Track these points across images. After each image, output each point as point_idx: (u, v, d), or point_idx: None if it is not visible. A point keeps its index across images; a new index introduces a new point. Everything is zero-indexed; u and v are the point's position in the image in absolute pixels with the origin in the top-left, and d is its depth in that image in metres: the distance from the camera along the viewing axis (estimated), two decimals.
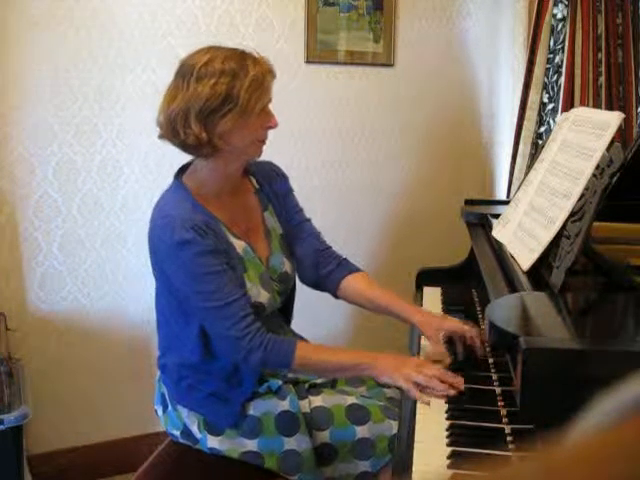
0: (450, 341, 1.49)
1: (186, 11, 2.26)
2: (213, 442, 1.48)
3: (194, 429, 1.50)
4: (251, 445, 1.46)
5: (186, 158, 1.54)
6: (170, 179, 2.30)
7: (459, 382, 1.30)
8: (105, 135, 2.20)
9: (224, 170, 1.46)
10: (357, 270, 1.65)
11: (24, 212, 2.14)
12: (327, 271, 1.64)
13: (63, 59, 2.11)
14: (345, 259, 1.67)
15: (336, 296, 1.66)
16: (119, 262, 2.29)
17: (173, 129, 1.37)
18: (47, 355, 2.23)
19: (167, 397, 1.57)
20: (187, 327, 1.45)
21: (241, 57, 1.37)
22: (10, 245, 2.14)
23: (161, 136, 1.43)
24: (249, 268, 1.47)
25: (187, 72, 1.36)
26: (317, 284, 1.67)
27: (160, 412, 1.60)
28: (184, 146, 1.40)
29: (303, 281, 1.68)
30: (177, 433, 1.54)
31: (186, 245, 1.34)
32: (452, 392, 1.29)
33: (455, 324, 1.47)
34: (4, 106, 2.07)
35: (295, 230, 1.62)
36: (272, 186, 1.60)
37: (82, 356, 2.28)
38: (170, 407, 1.56)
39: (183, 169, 1.52)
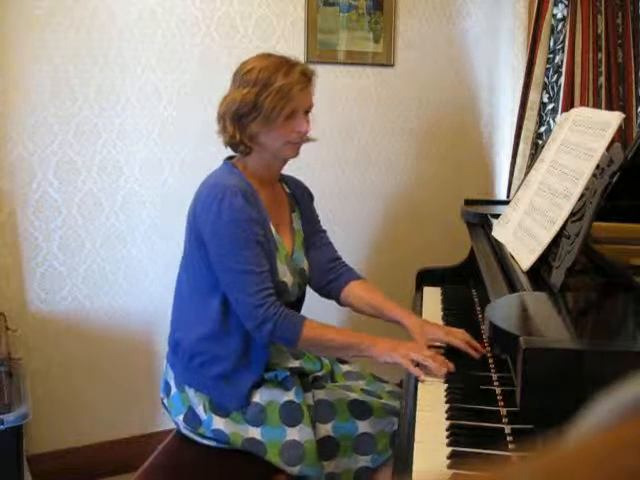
0: (451, 350, 1.52)
1: (186, 11, 2.26)
2: (218, 423, 1.50)
3: (199, 410, 1.53)
4: (255, 432, 1.49)
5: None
6: (170, 179, 2.31)
7: (449, 365, 1.41)
8: (105, 135, 2.20)
9: (265, 164, 1.58)
10: (358, 277, 1.74)
11: (24, 212, 2.14)
12: (332, 278, 1.73)
13: (63, 59, 2.11)
14: (350, 268, 1.76)
15: (339, 302, 1.75)
16: (119, 262, 2.29)
17: (218, 128, 1.55)
18: (47, 355, 2.23)
19: (172, 382, 1.60)
20: (210, 297, 1.52)
21: (276, 68, 1.49)
22: (10, 245, 2.14)
23: (218, 132, 1.57)
24: (280, 249, 1.57)
25: (234, 79, 1.54)
26: (324, 291, 1.75)
27: (165, 400, 1.63)
28: (225, 143, 1.56)
29: (312, 286, 1.75)
30: (180, 418, 1.56)
31: (234, 209, 1.44)
32: (444, 371, 1.39)
33: (442, 334, 1.52)
34: (4, 106, 2.07)
35: (314, 238, 1.73)
36: (301, 194, 1.73)
37: (82, 356, 2.28)
38: (175, 390, 1.58)
39: (231, 157, 1.63)
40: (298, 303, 1.71)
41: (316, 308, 1.97)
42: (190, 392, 1.55)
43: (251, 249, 1.45)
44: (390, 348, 1.45)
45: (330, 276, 1.72)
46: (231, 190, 1.45)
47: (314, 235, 1.73)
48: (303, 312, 1.74)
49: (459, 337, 1.50)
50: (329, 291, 1.74)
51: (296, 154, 1.57)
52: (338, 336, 1.51)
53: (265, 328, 1.44)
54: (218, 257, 1.47)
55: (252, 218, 1.46)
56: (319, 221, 1.77)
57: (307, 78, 1.54)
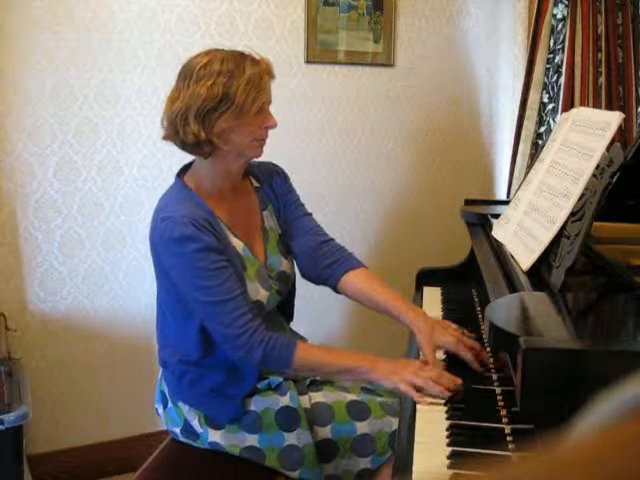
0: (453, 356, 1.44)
1: (186, 10, 2.26)
2: (214, 436, 1.49)
3: (195, 424, 1.51)
4: (252, 440, 1.47)
5: (186, 158, 1.55)
6: (169, 179, 2.30)
7: (456, 382, 1.30)
8: (105, 135, 2.20)
9: (225, 169, 1.48)
10: (360, 265, 1.63)
11: (24, 212, 2.14)
12: (327, 264, 1.61)
13: (63, 59, 2.11)
14: (349, 253, 1.64)
15: (336, 290, 1.64)
16: (119, 262, 2.29)
17: (174, 129, 1.41)
18: (47, 355, 2.23)
19: (167, 395, 1.58)
20: (187, 324, 1.46)
21: (240, 58, 1.40)
22: (10, 245, 2.14)
23: (165, 137, 1.46)
24: (248, 267, 1.49)
25: (187, 74, 1.40)
26: (317, 278, 1.64)
27: (160, 410, 1.61)
28: (184, 145, 1.43)
29: (303, 276, 1.66)
30: (177, 430, 1.54)
31: (186, 241, 1.35)
32: (449, 393, 1.28)
33: (451, 343, 1.42)
34: (4, 106, 2.07)
35: (294, 225, 1.62)
36: (271, 184, 1.62)
37: (82, 356, 2.28)
38: (170, 404, 1.56)
39: (185, 169, 1.54)
40: (287, 305, 1.67)
41: (313, 304, 1.96)
42: (185, 408, 1.53)
43: (215, 278, 1.36)
44: (391, 371, 1.36)
45: (323, 262, 1.61)
46: (180, 221, 1.35)
47: (295, 222, 1.62)
48: (298, 311, 1.74)
49: (469, 346, 1.41)
50: (325, 279, 1.62)
51: (260, 153, 1.47)
52: (334, 359, 1.41)
53: (253, 357, 1.37)
54: (186, 293, 1.40)
55: (208, 246, 1.36)
56: (302, 204, 1.65)
57: (271, 69, 1.45)
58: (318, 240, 1.63)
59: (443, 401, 1.28)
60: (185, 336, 1.48)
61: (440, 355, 1.48)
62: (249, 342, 1.36)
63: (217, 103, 1.36)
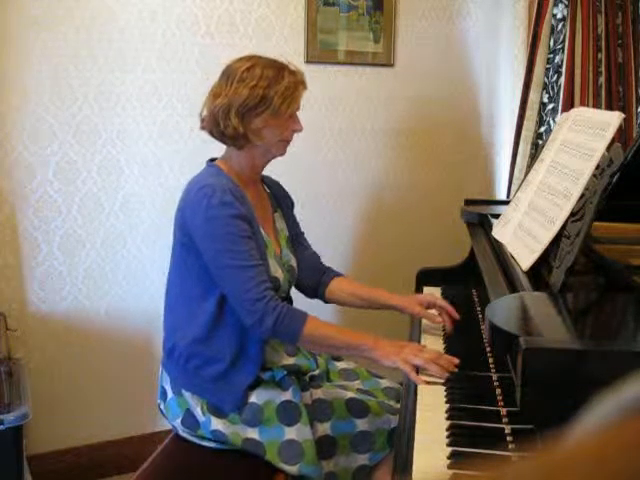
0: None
1: (186, 10, 2.26)
2: (217, 424, 1.51)
3: (197, 412, 1.53)
4: (252, 432, 1.49)
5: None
6: (170, 179, 2.31)
7: (454, 362, 1.41)
8: (105, 135, 2.20)
9: (252, 162, 1.60)
10: (339, 274, 1.80)
11: (24, 212, 2.14)
12: (321, 277, 1.77)
13: (63, 59, 2.11)
14: (328, 267, 1.81)
15: (326, 300, 1.79)
16: (119, 262, 2.29)
17: (215, 121, 1.54)
18: (47, 355, 2.23)
19: (169, 386, 1.60)
20: (204, 300, 1.53)
21: (279, 67, 1.55)
22: (10, 245, 2.14)
23: (203, 127, 1.60)
24: (268, 246, 1.59)
25: (231, 74, 1.54)
26: (311, 290, 1.78)
27: (162, 406, 1.62)
28: (223, 136, 1.56)
29: (300, 285, 1.77)
30: (178, 422, 1.56)
31: (224, 205, 1.46)
32: (447, 374, 1.38)
33: (430, 297, 1.70)
34: (4, 106, 2.07)
35: (301, 239, 1.78)
36: (281, 197, 1.76)
37: (82, 356, 2.28)
38: (172, 395, 1.58)
39: (212, 160, 1.65)
40: (287, 302, 1.71)
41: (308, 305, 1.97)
42: (187, 395, 1.55)
43: (244, 244, 1.46)
44: (392, 352, 1.44)
45: (320, 275, 1.77)
46: (220, 189, 1.47)
47: (299, 235, 1.78)
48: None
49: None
50: (317, 290, 1.77)
51: (284, 152, 1.62)
52: (340, 335, 1.50)
53: (266, 322, 1.44)
54: (212, 256, 1.47)
55: (242, 215, 1.48)
56: (297, 222, 1.81)
57: (305, 80, 1.60)
58: (319, 257, 1.79)
59: (441, 381, 1.37)
60: (199, 314, 1.54)
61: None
62: (265, 308, 1.44)
63: (257, 103, 1.51)
